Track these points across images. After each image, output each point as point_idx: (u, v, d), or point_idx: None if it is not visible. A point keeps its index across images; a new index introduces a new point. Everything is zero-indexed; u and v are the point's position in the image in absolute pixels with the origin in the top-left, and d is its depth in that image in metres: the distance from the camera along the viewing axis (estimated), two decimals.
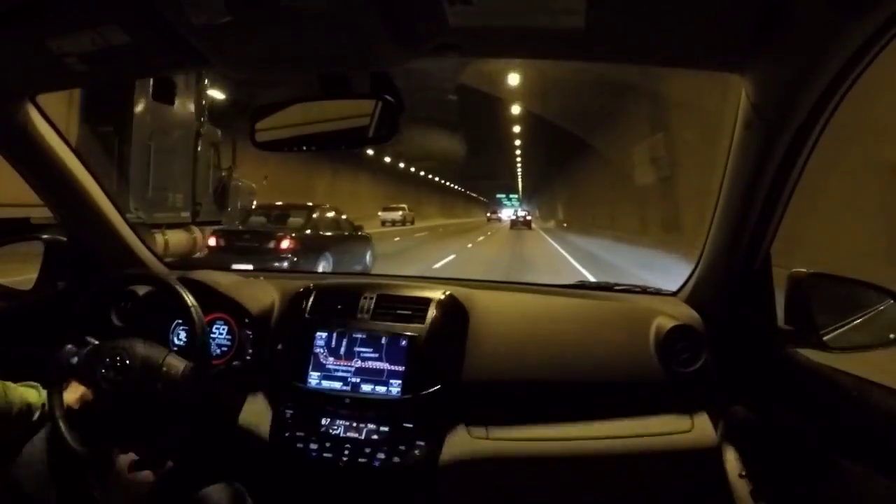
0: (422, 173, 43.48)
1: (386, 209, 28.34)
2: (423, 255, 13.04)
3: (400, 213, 28.44)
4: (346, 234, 8.83)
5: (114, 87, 6.76)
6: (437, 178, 51.11)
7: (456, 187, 61.76)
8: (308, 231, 7.68)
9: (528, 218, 37.45)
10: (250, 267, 6.50)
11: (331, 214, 8.65)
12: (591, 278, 8.15)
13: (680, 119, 11.55)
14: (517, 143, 30.41)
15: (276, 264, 7.03)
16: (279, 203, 9.11)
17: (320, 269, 7.39)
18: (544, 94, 16.82)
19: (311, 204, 8.69)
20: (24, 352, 1.32)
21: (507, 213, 53.82)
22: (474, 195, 72.11)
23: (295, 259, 7.19)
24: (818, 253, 5.35)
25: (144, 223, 7.03)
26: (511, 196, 69.88)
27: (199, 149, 8.45)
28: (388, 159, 33.00)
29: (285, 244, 7.23)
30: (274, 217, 8.34)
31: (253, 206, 9.96)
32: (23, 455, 1.12)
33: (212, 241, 7.71)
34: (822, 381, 0.99)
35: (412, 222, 29.70)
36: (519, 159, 40.09)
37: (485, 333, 1.30)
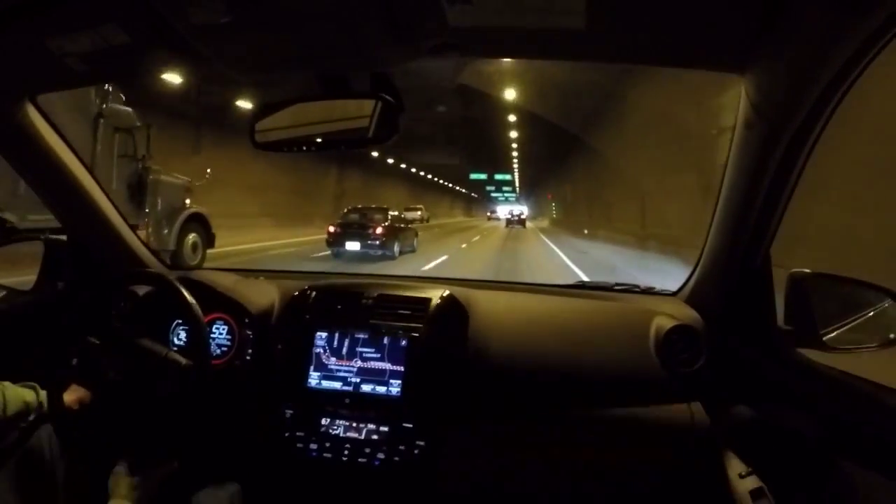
0: (413, 170, 43.47)
1: (407, 209, 33.19)
2: (460, 238, 20.40)
3: (419, 212, 34.25)
4: (403, 226, 12.83)
5: None
6: (436, 179, 51.05)
7: (453, 186, 61.37)
8: (389, 223, 11.73)
9: (524, 217, 42.22)
10: (358, 244, 11.34)
11: (395, 213, 12.82)
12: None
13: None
14: (513, 135, 30.55)
15: (370, 242, 11.19)
16: (360, 206, 13.02)
17: (396, 250, 11.64)
18: (543, 95, 16.74)
19: (383, 206, 13.00)
20: (24, 352, 1.31)
21: (502, 211, 54.50)
22: (473, 195, 71.57)
23: (384, 241, 11.30)
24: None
25: (16, 229, 4.94)
26: (503, 186, 64.44)
27: (98, 136, 6.82)
28: (375, 154, 33.72)
29: (378, 231, 11.30)
30: (361, 215, 12.15)
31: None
32: (23, 455, 1.12)
33: (331, 229, 11.57)
34: (821, 380, 0.99)
35: (428, 220, 35.47)
36: (515, 154, 39.91)
37: (484, 333, 1.30)
